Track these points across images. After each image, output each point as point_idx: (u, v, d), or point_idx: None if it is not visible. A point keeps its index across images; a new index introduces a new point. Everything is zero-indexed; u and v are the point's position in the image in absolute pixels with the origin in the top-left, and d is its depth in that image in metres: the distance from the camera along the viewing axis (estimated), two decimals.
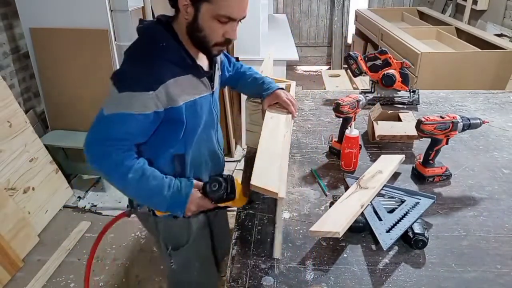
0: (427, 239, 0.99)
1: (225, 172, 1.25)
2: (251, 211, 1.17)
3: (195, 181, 1.11)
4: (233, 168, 3.10)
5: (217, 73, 1.25)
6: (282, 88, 1.34)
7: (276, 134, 1.17)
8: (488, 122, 1.29)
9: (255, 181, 0.93)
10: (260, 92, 1.35)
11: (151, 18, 3.61)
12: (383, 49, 1.86)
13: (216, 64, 1.23)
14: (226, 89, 3.05)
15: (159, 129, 1.09)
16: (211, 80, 1.18)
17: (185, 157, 1.17)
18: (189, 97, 1.09)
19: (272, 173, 0.97)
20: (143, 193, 1.07)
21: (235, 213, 1.18)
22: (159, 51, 1.04)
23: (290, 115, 1.31)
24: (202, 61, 1.15)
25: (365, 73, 1.87)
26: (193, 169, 1.20)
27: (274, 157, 1.05)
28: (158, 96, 1.01)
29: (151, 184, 1.05)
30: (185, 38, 1.08)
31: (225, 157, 3.15)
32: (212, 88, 1.19)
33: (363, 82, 3.46)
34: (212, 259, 1.48)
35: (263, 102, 1.34)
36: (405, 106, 1.86)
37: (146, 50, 1.05)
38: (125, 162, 1.03)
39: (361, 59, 1.87)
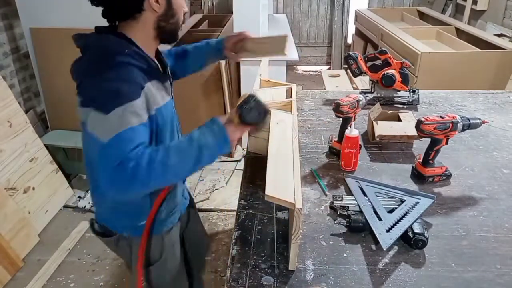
0: (427, 239, 0.99)
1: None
2: (251, 211, 1.17)
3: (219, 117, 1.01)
4: (233, 168, 3.10)
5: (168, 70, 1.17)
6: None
7: (285, 139, 1.16)
8: (488, 122, 1.29)
9: (270, 192, 0.91)
10: (215, 50, 1.29)
11: None
12: (383, 49, 1.86)
13: (166, 65, 1.15)
14: (226, 87, 3.05)
15: None
16: (171, 81, 1.13)
17: None
18: (159, 104, 1.02)
19: (287, 182, 0.95)
20: (189, 160, 0.93)
21: (235, 213, 1.19)
22: (126, 58, 0.96)
23: (295, 118, 1.31)
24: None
25: (365, 73, 1.87)
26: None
27: (285, 164, 1.03)
28: (143, 102, 0.95)
29: (190, 148, 0.93)
30: (145, 41, 1.03)
31: (225, 157, 3.19)
32: (172, 91, 1.14)
33: (363, 82, 3.47)
34: (184, 273, 1.38)
35: (226, 49, 1.25)
36: (405, 106, 1.86)
37: (111, 60, 0.95)
38: (154, 157, 0.89)
39: (361, 59, 1.87)
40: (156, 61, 1.08)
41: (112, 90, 0.91)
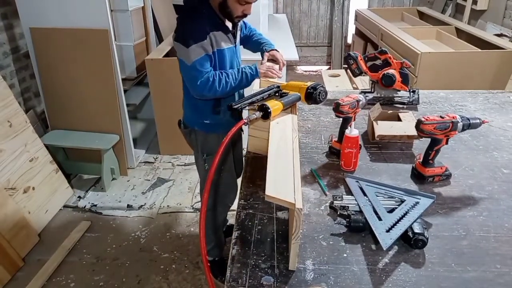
0: (427, 238, 0.99)
1: None
2: (251, 211, 1.17)
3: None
4: None
5: (238, 32, 1.77)
6: (276, 50, 1.83)
7: (285, 139, 1.16)
8: (487, 122, 1.29)
9: (270, 192, 0.91)
10: (261, 49, 1.86)
11: (151, 18, 3.62)
12: (383, 49, 1.87)
13: (237, 26, 1.74)
14: None
15: None
16: (234, 36, 1.70)
17: None
18: (221, 46, 1.61)
19: (287, 182, 0.95)
20: (236, 80, 1.61)
21: (235, 213, 1.19)
22: (202, 15, 1.57)
23: (295, 118, 1.31)
24: (228, 24, 1.67)
25: (365, 73, 1.87)
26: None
27: (286, 165, 1.03)
28: (208, 42, 1.54)
29: (235, 74, 1.61)
30: (216, 9, 1.60)
31: None
32: (235, 42, 1.71)
33: (363, 82, 3.47)
34: (233, 168, 1.95)
35: (263, 56, 1.80)
36: (405, 106, 1.86)
37: (193, 15, 1.57)
38: (220, 76, 1.57)
39: (361, 59, 1.87)
40: (225, 20, 1.63)
41: (190, 33, 1.53)
